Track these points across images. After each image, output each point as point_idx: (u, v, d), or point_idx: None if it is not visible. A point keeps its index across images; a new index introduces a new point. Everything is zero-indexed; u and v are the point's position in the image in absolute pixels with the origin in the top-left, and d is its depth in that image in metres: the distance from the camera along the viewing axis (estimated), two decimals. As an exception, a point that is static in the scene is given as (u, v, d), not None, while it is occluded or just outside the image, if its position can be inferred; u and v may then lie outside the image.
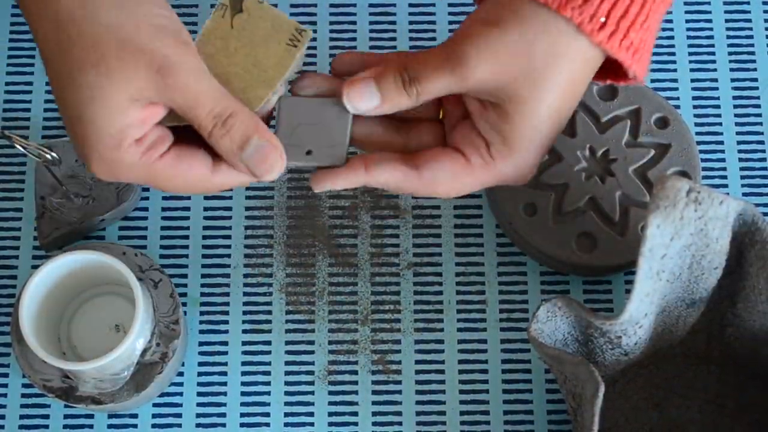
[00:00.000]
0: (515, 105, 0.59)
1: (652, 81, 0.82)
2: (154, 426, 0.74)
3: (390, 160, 0.61)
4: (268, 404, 0.75)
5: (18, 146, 0.69)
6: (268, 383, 0.75)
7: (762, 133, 0.81)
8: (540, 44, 0.58)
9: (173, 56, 0.56)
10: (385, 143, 0.63)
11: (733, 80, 0.82)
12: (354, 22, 0.83)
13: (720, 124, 0.81)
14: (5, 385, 0.75)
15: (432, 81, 0.59)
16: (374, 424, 0.74)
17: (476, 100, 0.61)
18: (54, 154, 0.70)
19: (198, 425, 0.74)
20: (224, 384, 0.75)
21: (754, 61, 0.82)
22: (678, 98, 0.81)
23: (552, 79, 0.59)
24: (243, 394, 0.75)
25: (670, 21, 0.83)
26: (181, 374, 0.75)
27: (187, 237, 0.78)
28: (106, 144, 0.57)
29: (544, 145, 0.61)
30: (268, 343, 0.76)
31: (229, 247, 0.78)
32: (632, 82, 0.62)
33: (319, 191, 0.62)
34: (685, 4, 0.84)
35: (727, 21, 0.83)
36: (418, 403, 0.75)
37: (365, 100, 0.60)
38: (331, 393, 0.75)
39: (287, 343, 0.76)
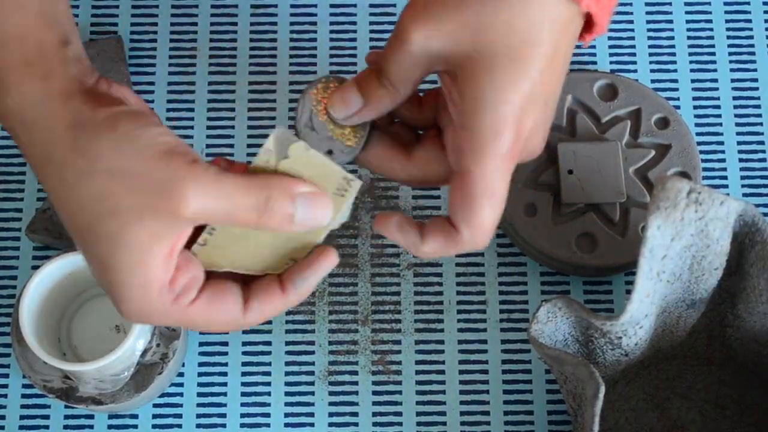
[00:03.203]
0: (467, 68, 0.54)
1: (652, 81, 0.82)
2: (154, 426, 0.74)
3: (437, 226, 0.58)
4: (268, 404, 0.75)
5: None
6: (268, 383, 0.75)
7: (762, 133, 0.81)
8: None
9: (189, 179, 0.53)
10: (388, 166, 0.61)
11: (733, 80, 0.82)
12: (354, 23, 0.83)
13: (720, 124, 0.81)
14: (5, 386, 0.75)
15: (391, 63, 0.56)
16: (374, 424, 0.74)
17: (446, 80, 0.57)
18: None
19: (198, 425, 0.74)
20: (224, 384, 0.75)
21: (754, 61, 0.82)
22: (678, 98, 0.81)
23: (502, 33, 0.54)
24: (243, 394, 0.75)
25: (670, 21, 0.83)
26: (181, 374, 0.75)
27: (187, 237, 0.78)
28: (136, 293, 0.54)
29: (522, 116, 0.54)
30: (268, 343, 0.76)
31: (229, 247, 0.78)
32: (592, 34, 0.57)
33: (379, 232, 0.59)
34: (685, 4, 0.84)
35: (727, 21, 0.83)
36: (418, 403, 0.75)
37: (349, 103, 0.58)
38: (331, 393, 0.75)
39: (287, 343, 0.76)
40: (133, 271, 0.53)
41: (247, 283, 0.58)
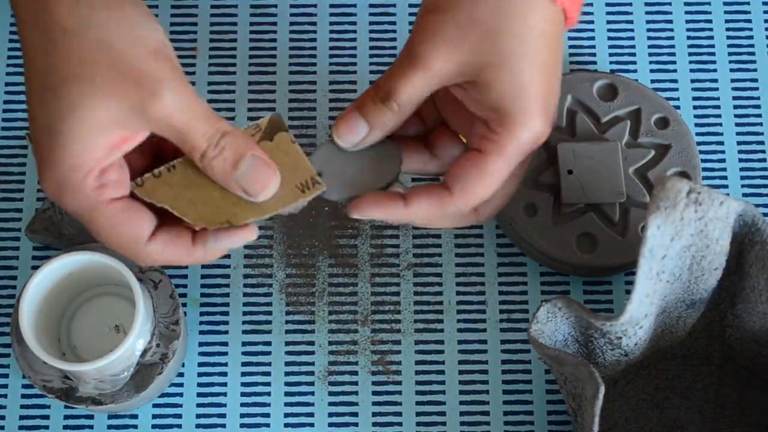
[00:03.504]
0: (487, 74, 0.58)
1: (652, 81, 0.82)
2: (154, 426, 0.74)
3: (423, 188, 0.61)
4: (268, 404, 0.75)
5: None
6: (268, 383, 0.75)
7: (762, 133, 0.81)
8: (486, 10, 0.57)
9: (168, 81, 0.55)
10: (421, 169, 0.64)
11: (733, 80, 0.82)
12: (354, 23, 0.83)
13: (720, 124, 0.81)
14: (5, 386, 0.75)
15: (404, 88, 0.59)
16: (374, 424, 0.74)
17: (457, 87, 0.60)
18: None
19: (198, 425, 0.74)
20: (224, 384, 0.75)
21: (754, 62, 0.82)
22: (678, 98, 0.81)
23: (513, 36, 0.58)
24: (243, 394, 0.75)
25: (670, 21, 0.83)
26: (181, 375, 0.75)
27: (187, 237, 0.78)
28: (68, 163, 0.55)
29: (546, 98, 0.59)
30: (268, 343, 0.76)
31: (229, 247, 0.78)
32: (567, 24, 0.61)
33: (356, 217, 0.61)
34: (685, 4, 0.84)
35: (727, 21, 0.83)
36: (418, 403, 0.75)
37: (355, 131, 0.60)
38: (331, 393, 0.75)
39: (287, 343, 0.76)
40: (77, 140, 0.54)
41: (166, 223, 0.58)
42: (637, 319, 0.64)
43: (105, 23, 0.55)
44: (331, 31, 0.83)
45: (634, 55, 0.82)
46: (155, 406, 0.75)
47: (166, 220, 0.59)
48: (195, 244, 0.59)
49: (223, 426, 0.74)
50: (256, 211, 0.58)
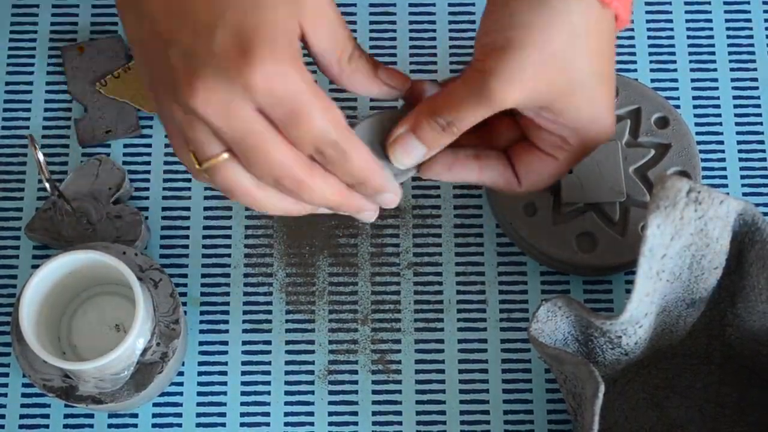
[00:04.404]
0: (561, 101, 0.60)
1: (652, 81, 0.82)
2: (154, 426, 0.74)
3: (498, 161, 0.64)
4: (268, 404, 0.75)
5: (36, 156, 0.69)
6: (268, 383, 0.75)
7: (762, 133, 0.81)
8: (560, 43, 0.58)
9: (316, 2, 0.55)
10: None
11: (733, 80, 0.82)
12: (354, 22, 0.83)
13: (720, 124, 0.81)
14: (5, 385, 0.75)
15: (468, 119, 0.60)
16: (374, 423, 0.74)
17: (530, 110, 0.62)
18: (67, 205, 0.75)
19: (198, 425, 0.74)
20: (224, 384, 0.75)
21: (754, 61, 0.82)
22: (678, 98, 0.81)
23: (584, 62, 0.60)
24: (243, 394, 0.75)
25: (669, 21, 0.83)
26: (181, 374, 0.75)
27: (187, 237, 0.78)
28: (285, 41, 0.53)
29: (610, 102, 0.62)
30: (268, 343, 0.76)
31: (229, 247, 0.78)
32: (618, 26, 0.62)
33: (428, 177, 0.64)
34: (685, 3, 0.84)
35: (727, 21, 0.83)
36: (418, 403, 0.75)
37: (413, 155, 0.62)
38: (331, 393, 0.75)
39: (287, 343, 0.76)
40: (286, 26, 0.53)
41: None
42: (637, 318, 0.64)
43: None
44: (332, 31, 0.83)
45: (634, 54, 0.82)
46: (155, 405, 0.75)
47: None
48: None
49: (223, 425, 0.74)
50: None
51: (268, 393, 0.75)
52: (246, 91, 0.52)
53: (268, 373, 0.75)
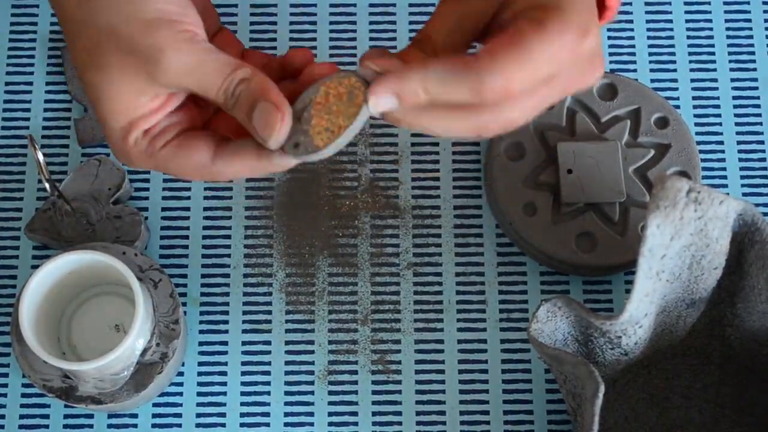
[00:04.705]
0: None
1: (652, 81, 0.82)
2: (154, 426, 0.74)
3: (446, 57, 0.55)
4: (268, 404, 0.75)
5: (35, 156, 0.69)
6: (268, 383, 0.75)
7: (762, 133, 0.81)
8: None
9: (167, 47, 0.56)
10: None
11: (733, 80, 0.82)
12: (354, 22, 0.83)
13: (720, 124, 0.81)
14: (5, 385, 0.75)
15: (441, 30, 0.57)
16: (374, 424, 0.74)
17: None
18: (67, 205, 0.75)
19: (198, 425, 0.74)
20: (224, 384, 0.75)
21: (754, 61, 0.82)
22: (678, 98, 0.81)
23: None
24: (243, 394, 0.75)
25: (669, 21, 0.83)
26: (181, 374, 0.75)
27: (187, 237, 0.78)
28: (117, 136, 0.58)
29: (592, 14, 0.56)
30: (268, 343, 0.76)
31: (229, 247, 0.78)
32: (608, 16, 0.59)
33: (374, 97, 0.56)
34: (685, 4, 0.84)
35: (727, 21, 0.83)
36: (418, 403, 0.75)
37: (383, 105, 0.56)
38: (331, 393, 0.75)
39: (287, 343, 0.76)
40: (114, 119, 0.58)
41: (228, 140, 0.59)
42: (636, 319, 0.64)
43: (105, 8, 0.57)
44: (331, 31, 0.83)
45: (634, 54, 0.82)
46: (155, 405, 0.75)
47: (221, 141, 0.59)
48: (260, 153, 0.58)
49: (223, 425, 0.74)
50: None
51: (268, 393, 0.75)
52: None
53: (268, 373, 0.75)
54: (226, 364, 0.75)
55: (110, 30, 0.56)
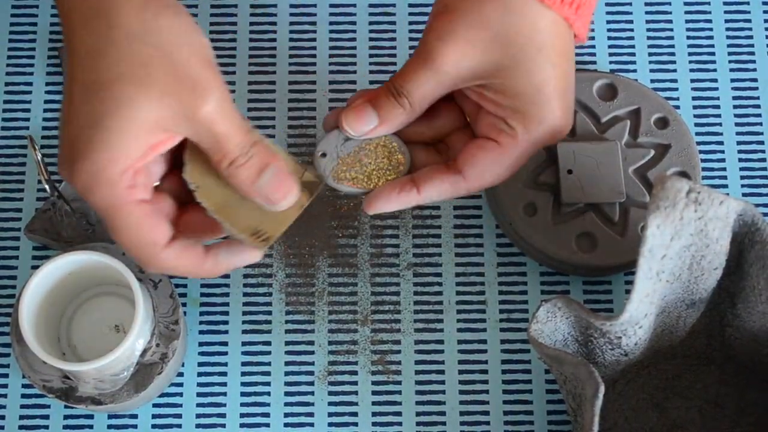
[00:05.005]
0: (502, 76, 0.60)
1: (652, 81, 0.82)
2: (154, 426, 0.74)
3: (435, 173, 0.63)
4: (268, 404, 0.75)
5: (35, 156, 0.69)
6: (268, 383, 0.75)
7: (762, 133, 0.81)
8: (495, 14, 0.60)
9: (216, 89, 0.57)
10: (417, 136, 0.65)
11: (733, 80, 0.82)
12: (354, 23, 0.83)
13: (720, 124, 0.81)
14: (5, 386, 0.75)
15: (415, 85, 0.61)
16: (374, 424, 0.74)
17: (472, 90, 0.62)
18: (67, 206, 0.74)
19: (198, 425, 0.74)
20: (224, 384, 0.75)
21: (754, 62, 0.82)
22: (678, 98, 0.81)
23: (522, 36, 0.60)
24: (243, 394, 0.75)
25: (669, 21, 0.83)
26: (181, 374, 0.75)
27: (187, 237, 0.78)
28: (107, 156, 0.56)
29: (562, 97, 0.61)
30: (268, 343, 0.76)
31: (229, 247, 0.78)
32: (575, 41, 0.63)
33: (372, 213, 0.64)
34: (685, 4, 0.84)
35: (727, 21, 0.83)
36: (418, 403, 0.75)
37: (364, 122, 0.62)
38: (331, 393, 0.75)
39: (287, 343, 0.76)
40: (123, 136, 0.56)
41: (178, 236, 0.60)
42: (636, 319, 0.64)
43: (166, 30, 0.57)
44: (331, 31, 0.83)
45: (633, 55, 0.82)
46: (155, 405, 0.75)
47: (177, 234, 0.60)
48: (206, 255, 0.61)
49: (223, 426, 0.74)
50: (280, 222, 0.61)
51: (268, 393, 0.75)
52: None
53: (267, 373, 0.75)
54: (226, 364, 0.75)
55: (167, 52, 0.56)
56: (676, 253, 0.62)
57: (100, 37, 0.57)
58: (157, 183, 0.61)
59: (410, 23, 0.83)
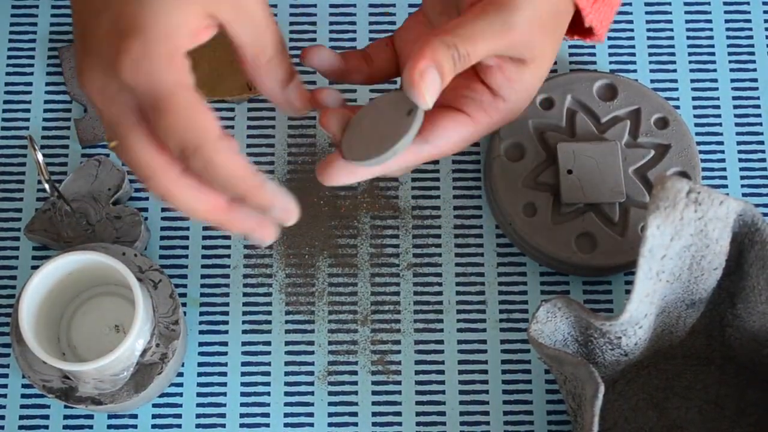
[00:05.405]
0: (535, 58, 0.60)
1: (652, 81, 0.82)
2: (153, 426, 0.74)
3: (445, 122, 0.61)
4: (268, 404, 0.75)
5: (35, 156, 0.69)
6: (268, 383, 0.75)
7: (762, 133, 0.81)
8: (565, 7, 0.61)
9: None
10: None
11: (733, 80, 0.82)
12: (354, 23, 0.83)
13: (720, 124, 0.81)
14: (5, 386, 0.75)
15: (482, 52, 0.59)
16: (374, 424, 0.74)
17: (495, 57, 0.60)
18: (67, 206, 0.74)
19: (198, 425, 0.74)
20: (224, 384, 0.75)
21: (754, 62, 0.82)
22: (678, 98, 0.81)
23: (557, 35, 0.61)
24: (243, 394, 0.75)
25: (669, 21, 0.83)
26: (181, 374, 0.75)
27: (187, 237, 0.78)
28: (164, 31, 0.52)
29: (541, 81, 0.63)
30: (268, 343, 0.76)
31: (228, 247, 0.78)
32: (592, 38, 0.64)
33: (329, 185, 0.60)
34: (685, 4, 0.84)
35: (727, 21, 0.83)
36: (418, 403, 0.75)
37: (432, 89, 0.58)
38: (331, 393, 0.75)
39: (287, 343, 0.76)
40: (175, 11, 0.53)
41: None
42: (636, 319, 0.64)
43: None
44: (331, 31, 0.83)
45: (633, 55, 0.82)
46: (155, 406, 0.75)
47: None
48: (256, 173, 0.56)
49: (223, 426, 0.74)
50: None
51: (268, 394, 0.75)
52: (117, 77, 0.53)
53: (267, 373, 0.75)
54: (226, 364, 0.75)
55: None
56: (676, 254, 0.62)
57: None
58: None
59: (410, 23, 0.83)
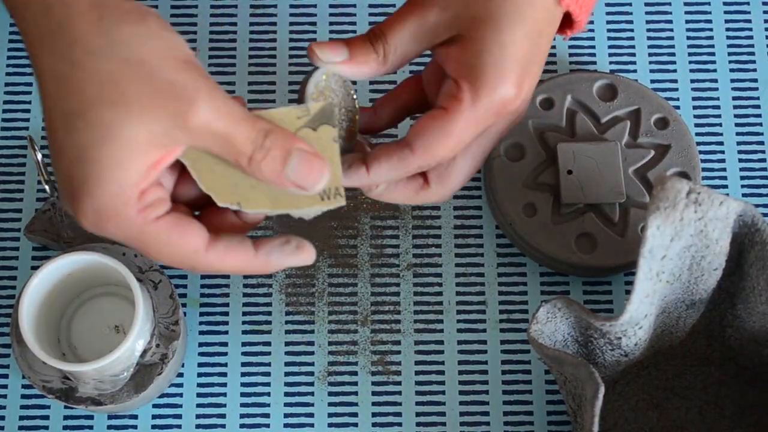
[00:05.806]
0: (473, 28, 0.57)
1: (652, 81, 0.82)
2: (153, 427, 0.74)
3: (384, 150, 0.59)
4: (268, 405, 0.75)
5: (35, 157, 0.69)
6: (268, 384, 0.75)
7: (762, 134, 0.81)
8: None
9: (203, 89, 0.52)
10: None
11: (733, 80, 0.82)
12: (354, 23, 0.83)
13: (720, 124, 0.81)
14: (5, 386, 0.75)
15: (394, 30, 0.58)
16: (374, 424, 0.74)
17: (440, 46, 0.59)
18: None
19: (198, 426, 0.74)
20: (224, 384, 0.75)
21: (754, 62, 0.82)
22: (678, 98, 0.81)
23: (541, 52, 0.59)
24: (243, 394, 0.75)
25: (669, 21, 0.83)
26: (181, 375, 0.75)
27: (186, 237, 0.78)
28: (107, 191, 0.52)
29: (523, 69, 0.58)
30: (268, 343, 0.76)
31: (228, 247, 0.78)
32: (573, 30, 0.61)
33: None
34: (685, 4, 0.84)
35: (727, 21, 0.83)
36: (418, 403, 0.75)
37: (335, 51, 0.58)
38: (331, 393, 0.75)
39: (287, 343, 0.76)
40: (115, 167, 0.52)
41: (217, 233, 0.56)
42: (636, 320, 0.64)
43: (132, 39, 0.52)
44: (331, 31, 0.83)
45: (633, 55, 0.82)
46: (155, 406, 0.75)
47: (211, 229, 0.56)
48: (257, 252, 0.56)
49: (223, 426, 0.74)
50: (270, 203, 0.56)
51: (268, 394, 0.75)
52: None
53: (267, 374, 0.75)
54: (226, 365, 0.75)
55: (139, 62, 0.51)
56: (676, 254, 0.62)
57: (62, 58, 0.52)
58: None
59: (410, 23, 0.83)
